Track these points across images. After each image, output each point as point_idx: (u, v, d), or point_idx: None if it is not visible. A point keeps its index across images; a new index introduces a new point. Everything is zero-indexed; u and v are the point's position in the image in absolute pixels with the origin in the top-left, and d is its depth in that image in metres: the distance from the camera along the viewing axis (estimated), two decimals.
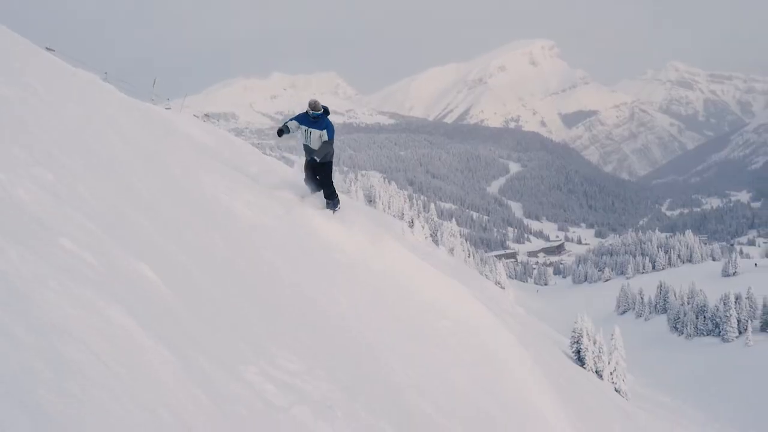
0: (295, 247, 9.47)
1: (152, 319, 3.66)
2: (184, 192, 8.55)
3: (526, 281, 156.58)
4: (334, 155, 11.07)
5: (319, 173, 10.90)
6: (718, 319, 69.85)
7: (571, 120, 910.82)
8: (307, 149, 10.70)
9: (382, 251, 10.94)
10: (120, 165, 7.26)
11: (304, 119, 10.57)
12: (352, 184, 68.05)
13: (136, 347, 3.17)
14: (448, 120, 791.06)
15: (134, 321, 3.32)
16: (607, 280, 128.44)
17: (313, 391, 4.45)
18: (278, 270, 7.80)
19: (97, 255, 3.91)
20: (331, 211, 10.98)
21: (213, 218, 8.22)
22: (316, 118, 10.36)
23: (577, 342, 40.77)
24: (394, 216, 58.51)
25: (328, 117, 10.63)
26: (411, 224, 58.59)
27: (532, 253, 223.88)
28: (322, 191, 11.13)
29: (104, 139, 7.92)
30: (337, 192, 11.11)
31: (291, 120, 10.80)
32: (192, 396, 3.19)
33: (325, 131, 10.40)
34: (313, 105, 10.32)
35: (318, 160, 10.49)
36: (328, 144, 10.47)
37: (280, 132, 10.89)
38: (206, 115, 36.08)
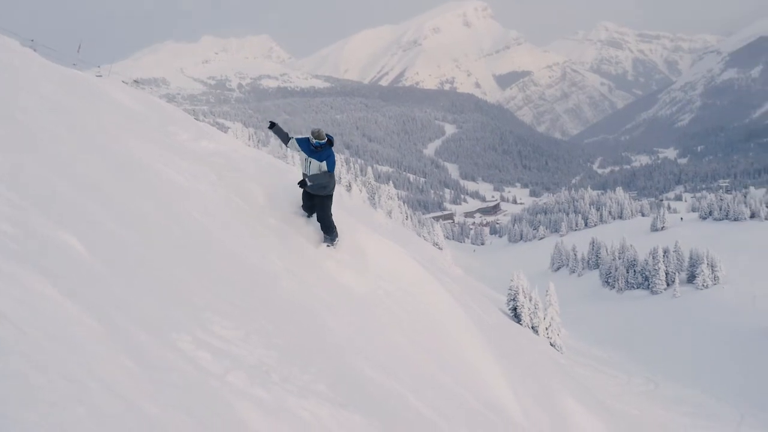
0: (229, 213, 9.34)
1: (78, 288, 3.56)
2: (113, 159, 8.30)
3: (463, 241, 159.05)
4: (335, 188, 10.27)
5: (317, 205, 10.21)
6: (647, 273, 72.34)
7: (504, 81, 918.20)
8: (306, 178, 9.85)
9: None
10: (42, 132, 6.99)
11: (305, 146, 9.82)
12: (288, 150, 67.43)
13: (60, 317, 3.08)
14: (384, 83, 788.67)
15: (57, 291, 3.22)
16: (541, 238, 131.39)
17: (249, 357, 4.42)
18: (213, 236, 7.68)
19: (17, 225, 3.77)
20: (326, 245, 10.16)
21: (144, 185, 8.02)
22: (318, 148, 9.64)
23: (514, 299, 41.72)
24: None
25: (332, 148, 9.88)
26: (348, 188, 58.58)
27: (469, 214, 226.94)
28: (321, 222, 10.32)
29: (24, 105, 7.60)
30: (335, 225, 10.24)
31: (295, 138, 10.08)
32: (121, 365, 3.13)
33: (324, 163, 9.67)
34: (317, 134, 9.58)
35: (310, 183, 9.68)
36: (328, 176, 9.71)
37: (273, 125, 10.30)
38: (135, 81, 35.10)
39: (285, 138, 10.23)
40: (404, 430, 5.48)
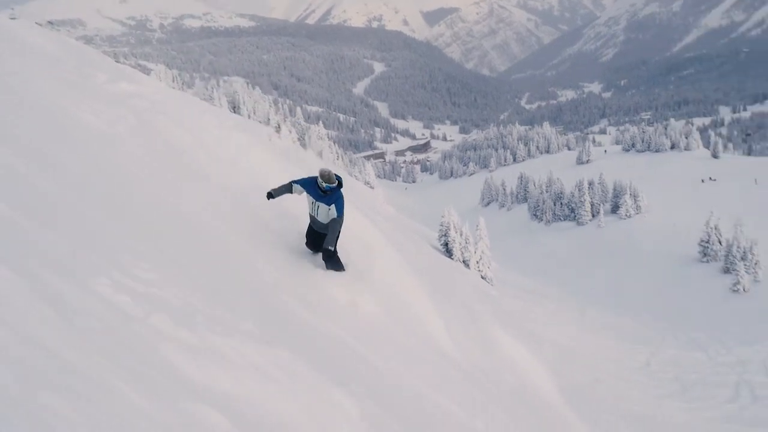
0: (151, 156, 9.10)
1: None
2: (26, 103, 7.95)
3: (395, 180, 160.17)
4: (342, 224, 8.91)
5: (322, 241, 9.11)
6: (573, 205, 74.22)
7: (432, 18, 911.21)
8: (314, 220, 9.03)
9: (242, 154, 10.70)
10: None
11: (312, 189, 8.84)
12: (215, 91, 65.84)
13: None
14: (311, 21, 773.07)
15: None
16: (471, 174, 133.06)
17: (173, 299, 4.36)
18: (133, 179, 7.48)
19: None
20: (333, 270, 9.07)
21: (60, 129, 7.73)
22: (327, 191, 8.67)
23: (445, 235, 42.29)
24: (260, 122, 57.33)
25: (341, 189, 8.94)
26: (278, 129, 57.73)
27: (400, 152, 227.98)
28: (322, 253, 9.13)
29: None
30: (340, 260, 9.17)
31: (295, 183, 8.99)
32: (37, 311, 3.04)
33: (333, 207, 8.72)
34: (327, 177, 8.58)
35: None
36: (337, 222, 8.76)
37: (270, 196, 8.92)
38: (50, 22, 33.51)
39: (286, 188, 9.09)
40: (333, 365, 5.55)
